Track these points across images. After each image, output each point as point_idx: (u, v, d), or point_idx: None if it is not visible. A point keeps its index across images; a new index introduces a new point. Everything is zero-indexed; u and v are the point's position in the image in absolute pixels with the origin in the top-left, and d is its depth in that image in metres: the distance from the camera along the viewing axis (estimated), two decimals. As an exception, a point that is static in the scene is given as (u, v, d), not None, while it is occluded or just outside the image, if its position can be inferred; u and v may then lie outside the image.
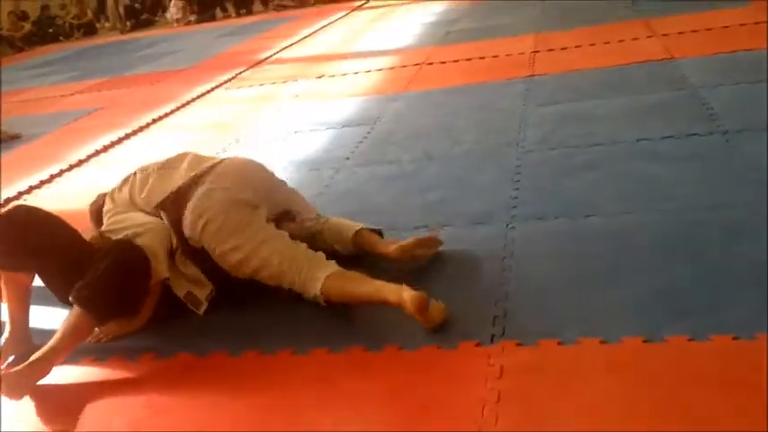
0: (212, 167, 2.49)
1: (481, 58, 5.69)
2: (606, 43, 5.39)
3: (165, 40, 11.43)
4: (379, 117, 4.49)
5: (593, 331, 1.96)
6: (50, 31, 15.61)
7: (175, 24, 13.76)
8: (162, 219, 2.45)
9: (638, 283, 2.16)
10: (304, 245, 2.39)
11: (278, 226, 2.46)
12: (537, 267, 2.38)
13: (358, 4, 11.67)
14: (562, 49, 5.47)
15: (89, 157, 4.80)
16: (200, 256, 2.43)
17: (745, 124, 3.25)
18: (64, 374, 2.25)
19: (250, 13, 13.53)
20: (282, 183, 2.68)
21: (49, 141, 5.59)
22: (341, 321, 2.24)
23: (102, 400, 2.12)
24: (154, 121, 5.56)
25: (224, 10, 13.95)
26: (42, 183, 4.38)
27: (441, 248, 2.60)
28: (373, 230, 2.60)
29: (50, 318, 2.51)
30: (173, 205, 2.42)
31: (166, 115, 5.70)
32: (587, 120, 3.74)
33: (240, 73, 6.99)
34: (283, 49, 8.19)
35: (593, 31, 5.93)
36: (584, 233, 2.56)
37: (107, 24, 15.95)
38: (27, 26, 15.33)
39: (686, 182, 2.80)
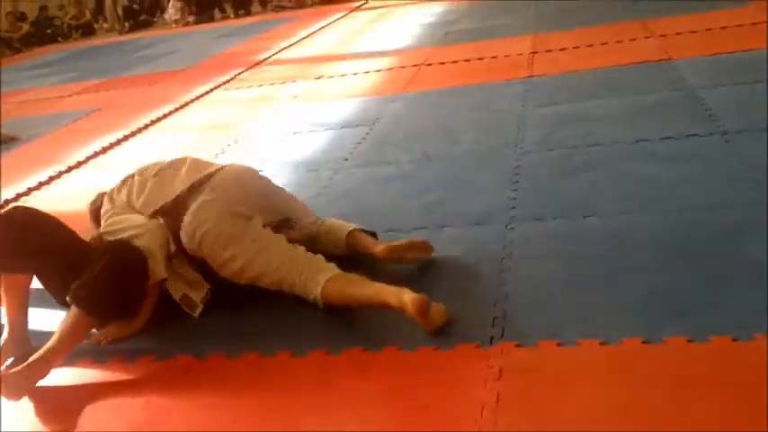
0: (210, 176, 2.49)
1: (480, 58, 5.70)
2: (604, 44, 5.39)
3: (164, 41, 11.42)
4: (377, 118, 4.49)
5: (593, 332, 1.96)
6: (49, 31, 15.61)
7: (174, 25, 13.76)
8: (160, 222, 2.45)
9: (637, 284, 2.16)
10: (302, 248, 2.39)
11: (277, 233, 2.46)
12: (536, 268, 2.37)
13: (357, 4, 11.68)
14: (560, 49, 5.48)
15: (88, 159, 4.80)
16: (198, 260, 2.43)
17: (744, 125, 3.25)
18: (63, 376, 2.25)
19: (248, 13, 13.54)
20: (280, 190, 2.68)
21: (47, 143, 5.58)
22: (340, 323, 2.24)
23: (101, 402, 2.11)
24: (152, 122, 5.55)
25: (222, 11, 13.95)
26: (41, 184, 4.38)
27: (439, 250, 2.59)
28: (367, 232, 2.59)
29: (49, 320, 2.50)
30: (170, 213, 2.43)
31: (165, 116, 5.70)
32: (586, 120, 3.74)
33: (239, 74, 6.99)
34: (282, 50, 8.19)
35: (592, 31, 5.93)
36: (583, 234, 2.56)
37: (105, 25, 15.96)
38: (25, 27, 15.33)
39: (685, 182, 2.80)
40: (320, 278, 2.26)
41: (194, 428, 1.91)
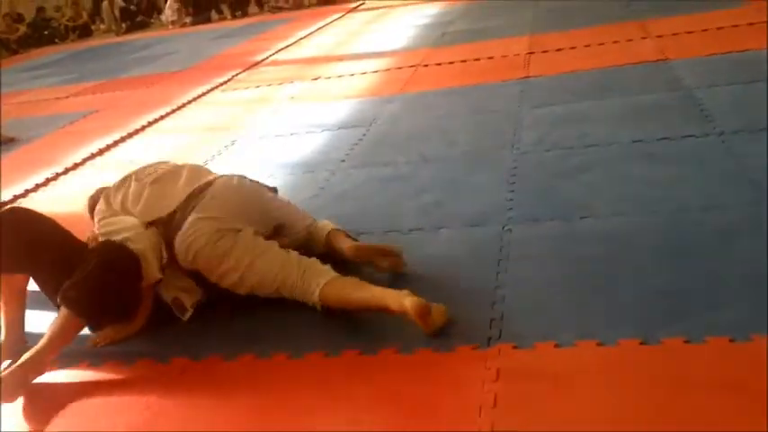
0: (206, 187, 2.49)
1: (476, 59, 5.70)
2: (601, 44, 5.40)
3: (161, 42, 11.42)
4: (374, 119, 4.49)
5: (590, 333, 1.96)
6: (46, 33, 15.59)
7: (171, 26, 13.75)
8: (154, 230, 2.45)
9: (634, 285, 2.16)
10: (295, 253, 2.40)
11: (270, 240, 2.46)
12: (533, 270, 2.38)
13: (354, 5, 11.68)
14: (557, 50, 5.48)
15: (85, 160, 4.79)
16: (194, 272, 2.44)
17: (741, 125, 3.25)
18: (61, 379, 2.24)
19: (245, 14, 13.53)
20: (273, 200, 2.67)
21: (44, 144, 5.58)
22: (337, 325, 2.24)
23: (99, 404, 2.11)
24: (149, 123, 5.55)
25: (219, 12, 13.94)
26: (38, 186, 4.37)
27: (436, 251, 2.60)
28: (343, 231, 2.60)
29: (46, 322, 2.48)
30: (165, 226, 2.43)
31: (162, 118, 5.69)
32: (582, 121, 3.75)
33: (236, 75, 6.98)
34: (279, 50, 8.19)
35: (588, 32, 5.94)
36: (580, 235, 2.56)
37: (102, 26, 15.92)
38: (22, 28, 15.31)
39: (681, 183, 2.81)
40: (318, 281, 2.26)
41: (192, 429, 1.91)
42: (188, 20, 13.67)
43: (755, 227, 2.35)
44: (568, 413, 1.69)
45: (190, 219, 2.40)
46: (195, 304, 2.43)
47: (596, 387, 1.77)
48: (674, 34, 5.28)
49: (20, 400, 2.14)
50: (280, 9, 13.19)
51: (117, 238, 2.38)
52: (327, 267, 2.33)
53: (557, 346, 1.94)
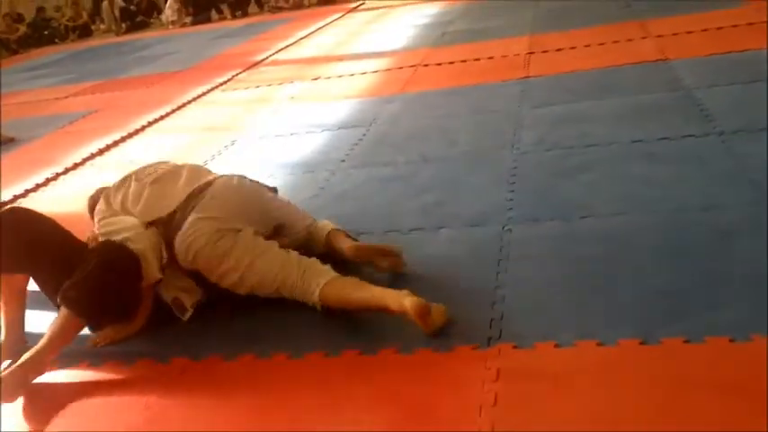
0: (203, 189, 2.49)
1: (476, 59, 5.70)
2: (601, 44, 5.40)
3: (161, 42, 11.42)
4: (374, 119, 4.49)
5: (590, 333, 1.96)
6: (46, 33, 15.60)
7: (171, 26, 13.75)
8: (154, 230, 2.45)
9: (634, 285, 2.17)
10: (295, 253, 2.40)
11: (271, 240, 2.46)
12: (533, 270, 2.38)
13: (354, 5, 11.68)
14: (557, 50, 5.48)
15: (85, 160, 4.79)
16: (194, 272, 2.44)
17: (741, 125, 3.25)
18: (61, 379, 2.25)
19: (245, 14, 13.53)
20: (273, 200, 2.67)
21: (44, 144, 5.57)
22: (337, 325, 2.24)
23: (98, 405, 2.11)
24: (149, 123, 5.55)
25: (219, 12, 13.93)
26: (38, 186, 4.37)
27: (436, 251, 2.60)
28: (343, 231, 2.60)
29: (47, 322, 2.49)
30: (165, 226, 2.43)
31: (162, 118, 5.69)
32: (582, 121, 3.75)
33: (236, 75, 6.99)
34: (279, 50, 8.19)
35: (588, 32, 5.94)
36: (580, 235, 2.56)
37: (102, 26, 15.92)
38: (22, 28, 15.32)
39: (681, 183, 2.81)
40: (318, 281, 2.27)
41: (192, 429, 1.91)
42: (188, 20, 13.67)
43: (755, 227, 2.35)
44: (568, 413, 1.69)
45: (190, 219, 2.40)
46: (195, 304, 2.43)
47: (596, 387, 1.77)
48: (673, 34, 5.28)
49: (20, 400, 2.14)
50: (280, 9, 13.19)
51: (117, 238, 2.38)
52: (327, 267, 2.33)
53: (557, 345, 1.94)
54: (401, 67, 5.97)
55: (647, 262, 2.29)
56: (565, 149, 3.40)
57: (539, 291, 2.25)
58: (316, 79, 6.14)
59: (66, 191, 4.25)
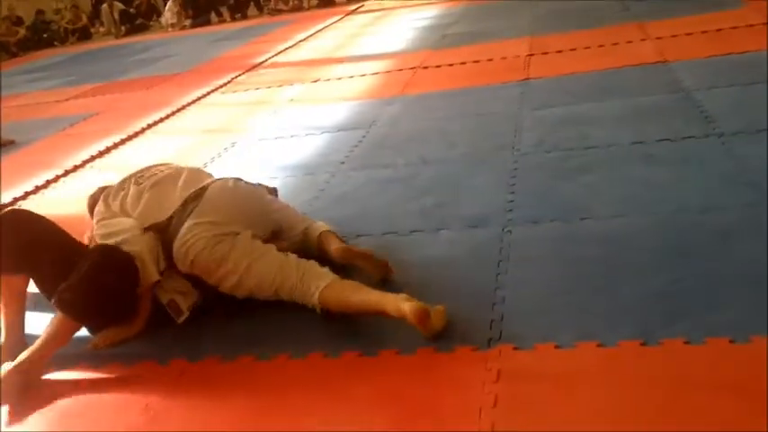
0: (201, 192, 2.49)
1: (476, 61, 5.70)
2: (600, 46, 5.41)
3: (160, 45, 11.42)
4: (374, 121, 4.49)
5: (590, 335, 1.96)
6: (45, 35, 15.60)
7: (170, 29, 13.76)
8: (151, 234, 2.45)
9: (634, 286, 2.17)
10: (293, 256, 2.40)
11: (269, 243, 2.46)
12: (533, 271, 2.38)
13: (353, 7, 11.69)
14: (557, 52, 5.49)
15: (85, 163, 4.79)
16: (193, 276, 2.43)
17: (741, 126, 3.26)
18: (61, 380, 2.25)
19: (245, 17, 13.54)
20: (271, 202, 2.67)
21: (44, 147, 5.58)
22: (337, 326, 2.24)
23: (98, 406, 2.11)
24: (149, 125, 5.55)
25: (219, 14, 13.95)
26: (38, 188, 4.37)
27: (436, 252, 2.60)
28: (334, 233, 2.60)
29: (47, 324, 2.49)
30: (162, 232, 2.43)
31: (162, 120, 5.69)
32: (582, 123, 3.75)
33: (235, 77, 6.99)
34: (278, 53, 8.19)
35: (588, 34, 5.94)
36: (580, 236, 2.57)
37: (102, 29, 15.94)
38: (22, 31, 15.32)
39: (681, 184, 2.81)
40: (317, 284, 2.26)
41: (192, 431, 1.91)
42: (187, 22, 13.68)
43: (755, 228, 2.36)
44: (569, 414, 1.69)
45: (187, 224, 2.40)
46: (191, 307, 2.43)
47: (596, 388, 1.77)
48: (673, 36, 5.29)
49: (19, 401, 2.14)
50: (279, 12, 13.20)
51: (114, 239, 2.39)
52: (326, 270, 2.33)
53: (557, 347, 1.94)
54: (401, 70, 5.98)
55: (648, 263, 2.29)
56: (565, 151, 3.40)
57: (539, 292, 2.25)
58: (315, 81, 6.14)
59: (65, 193, 4.25)
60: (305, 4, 13.32)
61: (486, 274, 2.39)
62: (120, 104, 6.75)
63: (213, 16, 13.94)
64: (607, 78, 4.53)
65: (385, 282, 2.41)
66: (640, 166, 3.06)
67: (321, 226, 2.63)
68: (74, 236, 2.59)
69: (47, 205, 3.92)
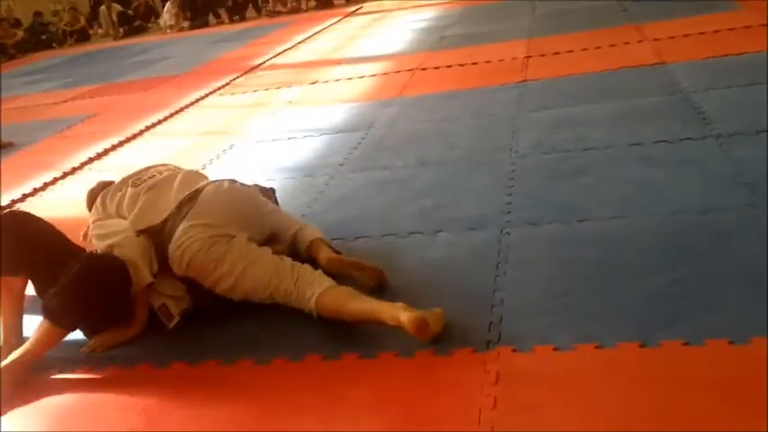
0: (196, 194, 2.49)
1: (474, 63, 5.71)
2: (598, 48, 5.41)
3: (159, 47, 11.42)
4: (372, 123, 4.50)
5: (589, 336, 1.96)
6: (43, 37, 15.57)
7: (168, 31, 13.75)
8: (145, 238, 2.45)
9: (632, 288, 2.17)
10: (289, 259, 2.40)
11: (265, 245, 2.46)
12: (531, 272, 2.38)
13: (351, 9, 11.69)
14: (554, 54, 5.49)
15: (83, 165, 4.79)
16: (188, 279, 2.43)
17: (738, 128, 3.26)
18: (59, 382, 2.25)
19: (243, 19, 13.53)
20: (265, 204, 2.66)
21: (42, 148, 5.57)
22: (336, 329, 2.23)
23: (96, 408, 2.11)
24: (147, 127, 5.55)
25: (217, 16, 13.95)
26: (36, 190, 4.37)
27: (435, 254, 2.61)
28: (325, 241, 2.58)
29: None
30: (157, 235, 2.43)
31: (160, 122, 5.69)
32: (580, 124, 3.75)
33: (234, 79, 6.99)
34: (277, 55, 8.19)
35: (585, 36, 5.95)
36: (578, 238, 2.57)
37: (100, 31, 15.92)
38: (20, 33, 15.29)
39: (679, 186, 2.82)
40: (313, 291, 2.26)
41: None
42: (186, 24, 13.67)
43: (753, 229, 2.36)
44: (568, 416, 1.70)
45: (182, 226, 2.40)
46: (182, 312, 2.42)
47: (595, 390, 1.77)
48: (670, 38, 5.30)
49: (7, 402, 2.14)
50: (277, 13, 13.20)
51: (108, 241, 2.39)
52: (321, 274, 2.33)
53: (555, 349, 1.94)
54: (399, 71, 5.98)
55: (646, 264, 2.29)
56: (563, 153, 3.40)
57: (537, 294, 2.25)
58: (314, 83, 6.14)
59: (64, 195, 4.24)
60: (303, 6, 13.32)
61: (484, 276, 2.39)
62: (118, 106, 6.74)
63: (211, 18, 13.94)
64: (605, 80, 4.54)
65: (381, 285, 2.41)
66: (638, 167, 3.07)
67: (311, 234, 2.59)
68: (72, 238, 2.59)
69: (45, 207, 3.91)
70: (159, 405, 2.06)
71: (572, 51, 5.46)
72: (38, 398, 2.18)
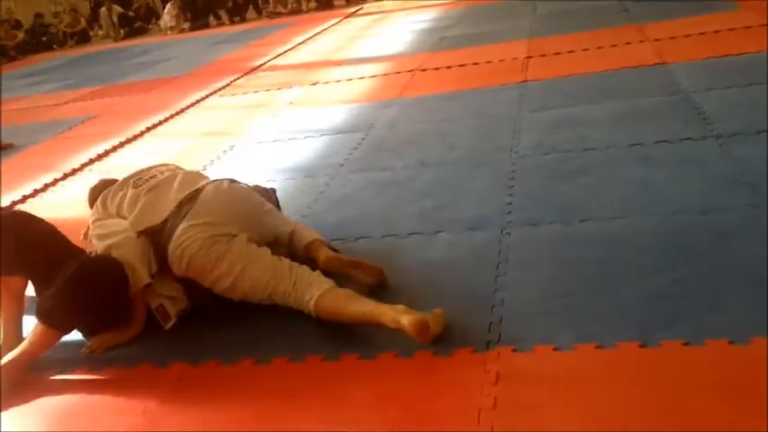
0: (196, 194, 2.48)
1: (475, 63, 5.71)
2: (599, 48, 5.41)
3: (159, 48, 11.43)
4: (373, 124, 4.50)
5: (589, 336, 1.96)
6: (44, 39, 15.60)
7: (169, 32, 13.76)
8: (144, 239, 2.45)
9: (632, 288, 2.17)
10: (287, 260, 2.40)
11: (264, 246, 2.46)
12: (532, 273, 2.38)
13: (352, 11, 11.70)
14: (555, 54, 5.49)
15: (83, 166, 4.79)
16: (188, 280, 2.43)
17: (738, 128, 3.26)
18: (60, 382, 2.25)
19: (243, 20, 13.54)
20: (262, 204, 2.66)
21: (43, 150, 5.58)
22: (336, 329, 2.23)
23: (97, 408, 2.11)
24: (148, 129, 5.55)
25: (217, 17, 13.96)
26: (37, 192, 4.37)
27: (435, 255, 2.60)
28: (323, 242, 2.57)
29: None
30: (157, 236, 2.43)
31: (161, 123, 5.70)
32: (581, 125, 3.75)
33: (234, 80, 6.99)
34: (277, 56, 8.19)
35: (586, 36, 5.95)
36: (579, 238, 2.57)
37: (100, 32, 15.94)
38: (20, 35, 15.31)
39: (680, 186, 2.81)
40: (312, 292, 2.25)
41: (192, 434, 1.91)
42: (186, 25, 13.69)
43: (754, 229, 2.36)
44: (568, 416, 1.69)
45: (182, 226, 2.40)
46: (180, 313, 2.42)
47: (595, 390, 1.77)
48: (671, 38, 5.30)
49: (17, 401, 2.15)
50: (278, 14, 13.21)
51: (108, 241, 2.40)
52: (319, 276, 2.32)
53: (556, 349, 1.94)
54: (399, 72, 5.98)
55: (646, 264, 2.29)
56: (563, 153, 3.40)
57: (538, 294, 2.25)
58: (314, 84, 6.15)
59: (64, 197, 4.25)
60: (303, 7, 13.33)
61: (484, 277, 2.39)
62: (118, 108, 6.75)
63: (212, 19, 13.95)
64: (605, 80, 4.53)
65: (382, 286, 2.41)
66: (639, 167, 3.07)
67: (308, 235, 2.58)
68: (72, 239, 2.59)
69: (45, 208, 3.91)
70: (159, 405, 2.06)
71: (573, 51, 5.46)
72: (37, 398, 2.18)
